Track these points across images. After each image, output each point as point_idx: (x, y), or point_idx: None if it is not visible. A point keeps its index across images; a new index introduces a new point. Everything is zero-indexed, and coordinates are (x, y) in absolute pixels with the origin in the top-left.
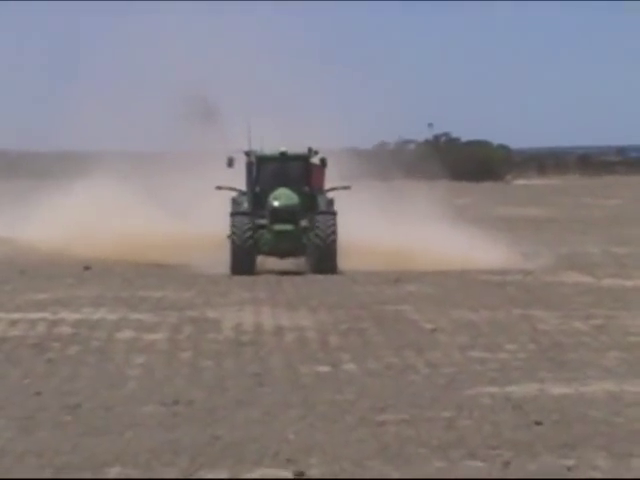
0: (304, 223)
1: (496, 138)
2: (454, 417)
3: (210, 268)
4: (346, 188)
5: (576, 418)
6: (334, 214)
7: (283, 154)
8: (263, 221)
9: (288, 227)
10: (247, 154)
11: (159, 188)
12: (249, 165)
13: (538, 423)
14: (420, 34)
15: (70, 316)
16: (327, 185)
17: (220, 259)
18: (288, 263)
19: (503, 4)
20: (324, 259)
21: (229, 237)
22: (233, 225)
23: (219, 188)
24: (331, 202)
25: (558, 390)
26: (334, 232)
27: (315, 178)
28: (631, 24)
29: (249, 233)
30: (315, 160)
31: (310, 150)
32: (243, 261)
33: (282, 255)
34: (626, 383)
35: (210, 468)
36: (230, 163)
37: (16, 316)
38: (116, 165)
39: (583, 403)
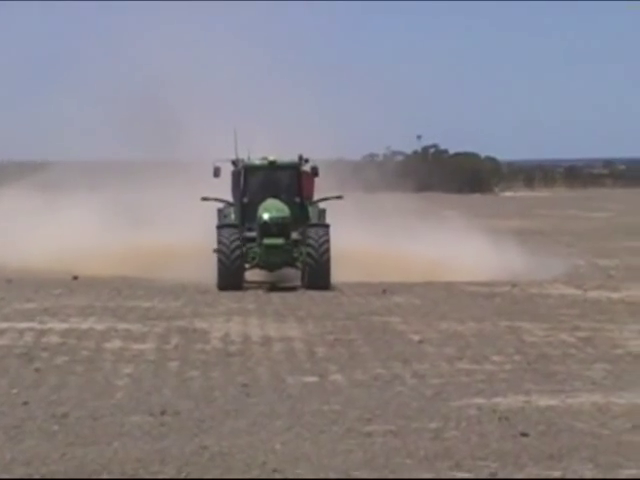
0: (295, 236)
1: (484, 150)
2: (441, 428)
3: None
4: (339, 198)
5: (562, 430)
6: (327, 227)
7: (272, 163)
8: (252, 234)
9: (279, 241)
10: (234, 163)
11: (129, 203)
12: (235, 175)
13: (524, 434)
14: (409, 46)
15: (58, 326)
16: (317, 195)
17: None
18: (277, 276)
19: (492, 18)
20: (317, 275)
21: (215, 251)
22: (220, 239)
23: (205, 199)
24: (323, 213)
25: (544, 402)
26: (327, 248)
27: (305, 188)
28: (619, 40)
29: (237, 249)
30: (306, 168)
31: (301, 158)
32: (230, 276)
33: (272, 269)
34: (612, 395)
35: (197, 478)
36: (216, 173)
37: (4, 325)
38: (79, 175)
39: (569, 415)
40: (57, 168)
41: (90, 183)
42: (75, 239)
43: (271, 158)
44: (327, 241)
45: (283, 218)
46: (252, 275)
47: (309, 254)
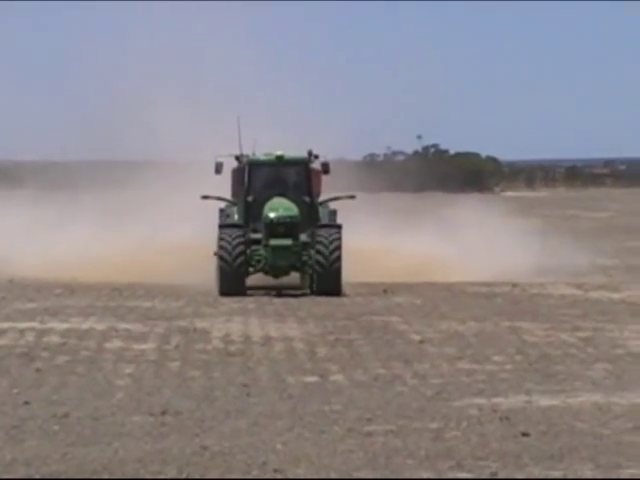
0: (304, 238)
1: (485, 150)
2: (441, 428)
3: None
4: (351, 198)
5: (563, 430)
6: (339, 227)
7: (280, 158)
8: (257, 236)
9: (286, 242)
10: (238, 158)
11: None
12: (238, 171)
13: (525, 434)
14: (410, 46)
15: (59, 326)
16: (325, 194)
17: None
18: (282, 281)
19: (492, 18)
20: (327, 281)
21: (216, 254)
22: (221, 240)
23: (205, 198)
24: (334, 214)
25: (545, 402)
26: (339, 249)
27: (315, 186)
28: (620, 38)
29: (240, 249)
30: (316, 165)
31: (310, 154)
32: (233, 281)
33: (278, 274)
34: (613, 395)
35: (198, 478)
36: (218, 169)
37: (5, 325)
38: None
39: (570, 415)
40: (29, 168)
41: (68, 184)
42: (69, 243)
43: (278, 153)
44: (338, 241)
45: (291, 217)
46: (254, 280)
47: (318, 257)
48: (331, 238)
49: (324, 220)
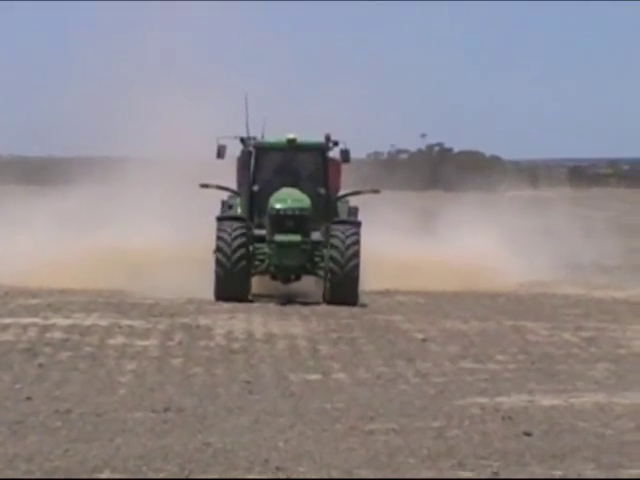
0: (317, 236)
1: (489, 149)
2: (444, 427)
3: None
4: (375, 192)
5: (565, 429)
6: (357, 224)
7: (292, 142)
8: (262, 232)
9: (294, 238)
10: (243, 141)
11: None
12: (244, 156)
13: (527, 434)
14: (414, 44)
15: (62, 321)
16: (344, 186)
17: None
18: (292, 287)
19: (496, 17)
20: (342, 286)
21: (215, 253)
22: (220, 235)
23: (204, 186)
24: (355, 212)
25: (547, 401)
26: (356, 252)
27: (332, 177)
28: (623, 37)
29: (241, 244)
30: (334, 154)
31: (328, 139)
32: (231, 283)
33: (285, 276)
34: (615, 395)
35: (200, 475)
36: (220, 153)
37: (8, 321)
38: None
39: (572, 414)
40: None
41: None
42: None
43: (290, 136)
44: (356, 241)
45: (301, 209)
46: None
47: (332, 258)
48: (348, 239)
49: (342, 216)
